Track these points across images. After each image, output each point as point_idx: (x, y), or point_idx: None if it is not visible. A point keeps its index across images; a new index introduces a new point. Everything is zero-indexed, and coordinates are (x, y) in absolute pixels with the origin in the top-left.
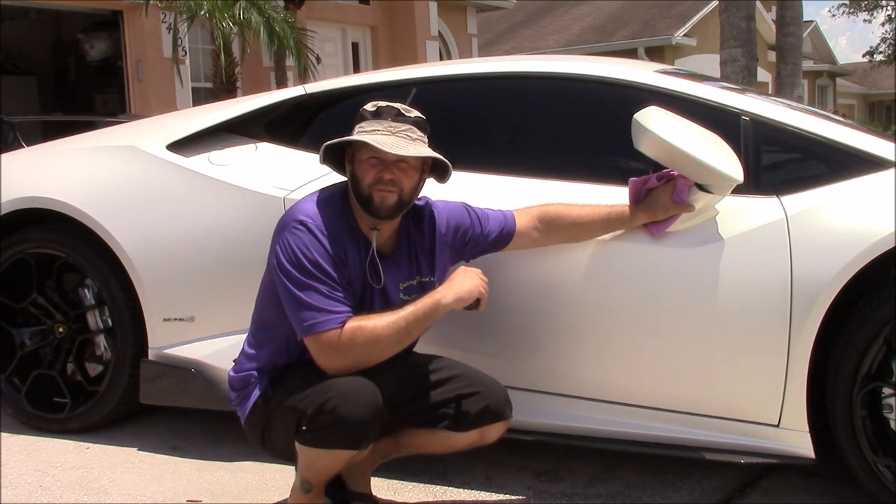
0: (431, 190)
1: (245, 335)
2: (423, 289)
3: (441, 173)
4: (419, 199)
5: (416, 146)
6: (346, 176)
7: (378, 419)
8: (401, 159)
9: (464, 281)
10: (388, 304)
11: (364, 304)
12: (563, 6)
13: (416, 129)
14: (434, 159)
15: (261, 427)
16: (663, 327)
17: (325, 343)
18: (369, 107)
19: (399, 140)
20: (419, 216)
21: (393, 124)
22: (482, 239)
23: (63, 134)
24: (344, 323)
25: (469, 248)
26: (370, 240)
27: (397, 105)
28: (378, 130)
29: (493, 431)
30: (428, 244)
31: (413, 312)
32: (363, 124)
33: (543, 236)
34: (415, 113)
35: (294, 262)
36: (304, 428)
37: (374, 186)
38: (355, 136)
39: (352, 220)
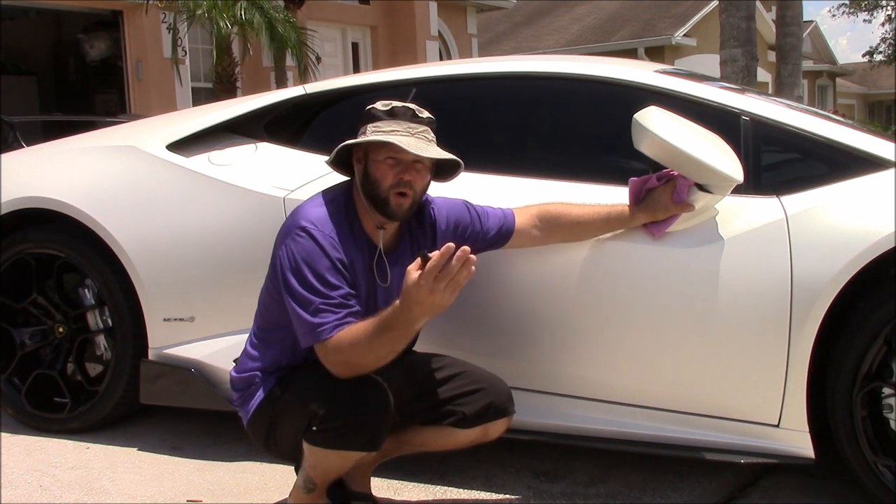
0: (433, 187)
1: (245, 335)
2: None
3: (444, 175)
4: None
5: (433, 148)
6: (348, 176)
7: (389, 421)
8: (417, 160)
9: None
10: (391, 301)
11: (369, 302)
12: (563, 6)
13: (430, 130)
14: (439, 161)
15: (265, 427)
16: (663, 327)
17: (326, 350)
18: (381, 105)
19: (419, 141)
20: (420, 213)
21: (411, 125)
22: (481, 236)
23: (63, 134)
24: (347, 325)
25: (468, 244)
26: (375, 239)
27: (411, 106)
28: (397, 131)
29: (497, 427)
30: (429, 241)
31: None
32: (378, 124)
33: (543, 235)
34: (426, 113)
35: (296, 271)
36: (314, 428)
37: (393, 189)
38: (377, 136)
39: (355, 220)
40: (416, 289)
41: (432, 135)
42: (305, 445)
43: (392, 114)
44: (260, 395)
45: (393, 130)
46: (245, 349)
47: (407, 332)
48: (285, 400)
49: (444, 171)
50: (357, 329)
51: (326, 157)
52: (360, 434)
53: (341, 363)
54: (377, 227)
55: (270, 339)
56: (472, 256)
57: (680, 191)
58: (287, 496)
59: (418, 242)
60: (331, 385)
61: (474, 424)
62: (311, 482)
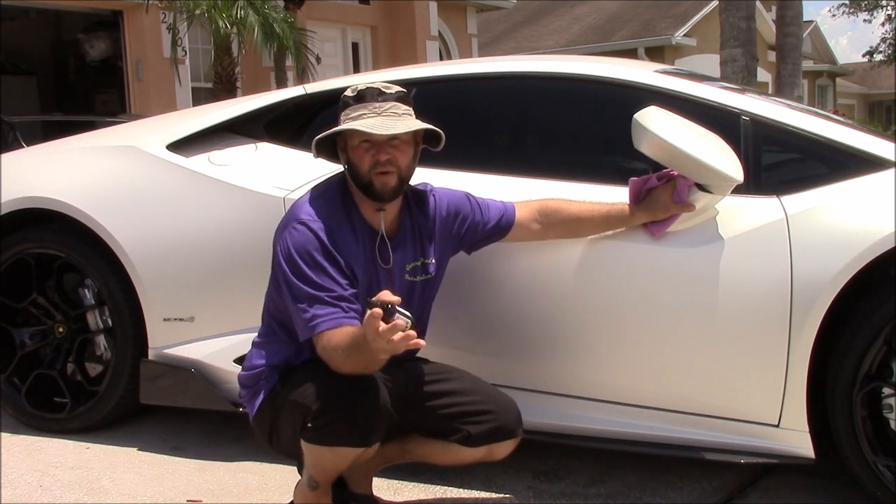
0: (435, 181)
1: (247, 334)
2: (426, 270)
3: (434, 142)
4: (423, 185)
5: (403, 121)
6: (342, 165)
7: (384, 418)
8: (393, 137)
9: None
10: (394, 285)
11: (371, 286)
12: (563, 6)
13: (400, 104)
14: (424, 129)
15: (268, 424)
16: (663, 327)
17: (324, 343)
18: (350, 92)
19: (386, 119)
20: (422, 201)
21: (377, 105)
22: (482, 226)
23: (63, 134)
24: (342, 323)
25: (469, 234)
26: (375, 224)
27: (377, 85)
28: (364, 114)
29: (503, 449)
30: (430, 227)
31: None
32: (347, 111)
33: (543, 229)
34: (395, 88)
35: (293, 262)
36: (309, 425)
37: (373, 171)
38: (343, 126)
39: (352, 207)
40: (364, 327)
41: (405, 107)
42: (303, 443)
43: (360, 98)
44: (264, 391)
45: (360, 115)
46: (253, 346)
47: (369, 355)
48: (284, 397)
49: (434, 138)
50: (342, 334)
51: (319, 156)
52: (353, 431)
53: (328, 361)
54: (376, 210)
55: (277, 336)
56: (420, 341)
57: (680, 191)
58: (288, 496)
59: (419, 227)
60: (324, 381)
61: (480, 444)
62: (314, 480)
